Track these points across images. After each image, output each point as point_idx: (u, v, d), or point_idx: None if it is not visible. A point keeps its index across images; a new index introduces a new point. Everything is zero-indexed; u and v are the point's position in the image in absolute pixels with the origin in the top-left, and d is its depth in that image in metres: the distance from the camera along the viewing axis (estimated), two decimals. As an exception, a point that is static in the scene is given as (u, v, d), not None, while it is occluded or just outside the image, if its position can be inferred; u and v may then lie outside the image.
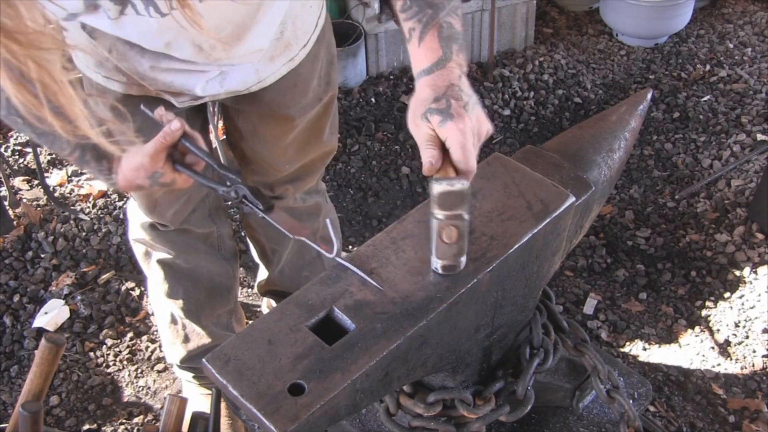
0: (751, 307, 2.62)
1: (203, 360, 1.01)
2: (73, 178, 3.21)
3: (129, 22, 1.28)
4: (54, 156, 3.30)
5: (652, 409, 2.31)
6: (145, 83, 1.54)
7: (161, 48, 1.41)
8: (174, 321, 2.14)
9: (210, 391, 2.08)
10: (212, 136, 2.03)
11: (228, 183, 1.28)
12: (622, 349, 2.53)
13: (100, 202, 3.07)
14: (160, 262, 2.02)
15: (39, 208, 3.03)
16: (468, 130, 1.07)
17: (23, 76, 0.92)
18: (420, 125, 1.10)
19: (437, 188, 1.04)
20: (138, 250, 2.06)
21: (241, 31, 1.44)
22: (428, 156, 1.08)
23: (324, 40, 1.72)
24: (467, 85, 1.14)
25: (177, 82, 1.53)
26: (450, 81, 1.12)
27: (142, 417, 2.37)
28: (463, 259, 1.09)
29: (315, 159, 1.95)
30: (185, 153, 1.31)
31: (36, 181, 3.15)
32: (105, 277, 2.77)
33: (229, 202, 2.94)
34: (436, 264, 1.09)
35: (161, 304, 2.14)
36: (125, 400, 2.43)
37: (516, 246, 1.13)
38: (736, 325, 2.58)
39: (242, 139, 1.86)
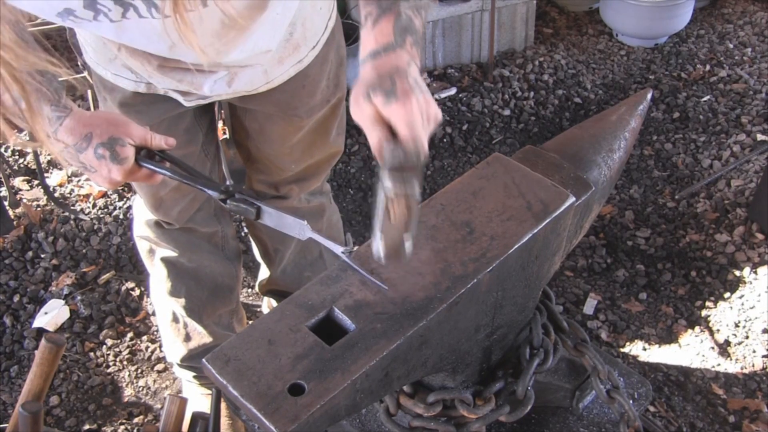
0: (751, 307, 2.62)
1: (203, 360, 1.01)
2: (73, 178, 3.21)
3: (132, 25, 1.27)
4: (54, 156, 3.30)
5: (652, 409, 2.31)
6: (153, 81, 1.55)
7: (166, 51, 1.41)
8: (175, 319, 2.14)
9: (210, 391, 2.08)
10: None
11: (213, 195, 1.29)
12: (622, 349, 2.53)
13: (100, 202, 3.07)
14: (164, 260, 2.03)
15: (39, 208, 3.03)
16: (415, 109, 1.02)
17: None
18: (363, 106, 1.04)
19: (389, 159, 0.98)
20: (142, 248, 2.07)
21: (246, 34, 1.44)
22: (376, 137, 1.03)
23: (334, 42, 1.71)
24: (416, 72, 1.07)
25: (185, 81, 1.54)
26: (397, 65, 1.05)
27: (142, 417, 2.37)
28: (409, 245, 1.03)
29: (321, 160, 1.95)
30: (151, 157, 1.33)
31: (36, 181, 3.16)
32: (105, 277, 2.77)
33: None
34: (379, 247, 1.02)
35: (163, 302, 2.14)
36: (125, 400, 2.43)
37: (516, 246, 1.13)
38: (736, 325, 2.58)
39: (248, 138, 1.86)
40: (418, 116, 1.02)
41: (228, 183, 2.61)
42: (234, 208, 1.27)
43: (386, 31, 1.09)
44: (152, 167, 1.32)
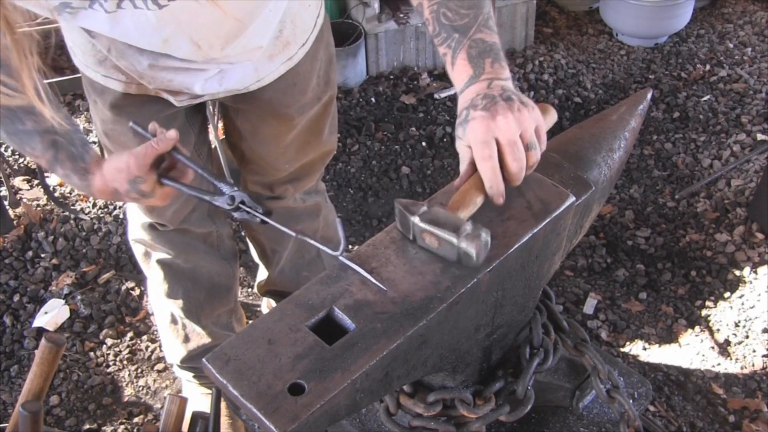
0: (751, 307, 2.62)
1: (203, 360, 1.01)
2: (73, 177, 3.21)
3: (126, 16, 1.27)
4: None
5: (652, 408, 2.31)
6: (144, 82, 1.54)
7: (159, 47, 1.40)
8: (174, 321, 2.14)
9: (210, 391, 2.08)
10: (211, 136, 2.04)
11: (225, 190, 1.28)
12: (622, 349, 2.53)
13: (100, 202, 3.07)
14: (160, 262, 2.03)
15: (39, 208, 3.03)
16: (481, 126, 1.08)
17: None
18: (458, 146, 1.14)
19: (421, 222, 1.07)
20: (138, 251, 2.07)
21: (240, 29, 1.44)
22: (461, 172, 1.14)
23: (323, 39, 1.72)
24: (497, 87, 1.13)
25: (176, 81, 1.53)
26: (476, 93, 1.13)
27: (142, 417, 2.37)
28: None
29: (315, 159, 1.95)
30: (172, 167, 1.31)
31: (36, 181, 3.16)
32: (105, 276, 2.77)
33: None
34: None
35: (161, 304, 2.14)
36: (125, 399, 2.43)
37: (516, 246, 1.13)
38: (736, 325, 2.58)
39: (242, 139, 1.86)
40: (486, 134, 1.09)
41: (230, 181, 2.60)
42: (240, 218, 1.28)
43: (464, 68, 1.17)
44: (172, 184, 1.31)
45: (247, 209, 1.26)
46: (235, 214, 1.27)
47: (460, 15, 1.19)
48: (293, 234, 1.21)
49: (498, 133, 1.09)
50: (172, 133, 1.26)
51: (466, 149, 1.13)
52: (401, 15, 3.65)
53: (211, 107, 1.97)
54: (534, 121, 1.11)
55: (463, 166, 1.15)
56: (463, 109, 1.13)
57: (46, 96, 1.09)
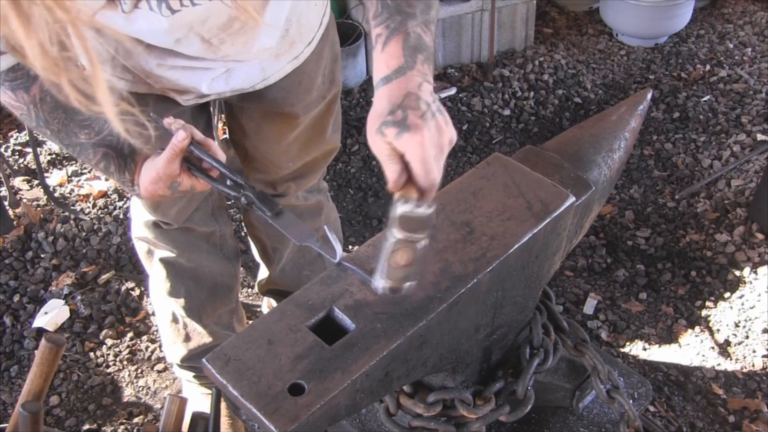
0: (751, 307, 2.62)
1: (203, 360, 1.01)
2: (73, 178, 3.21)
3: (141, 17, 1.28)
4: (54, 156, 3.30)
5: (652, 409, 2.31)
6: (151, 81, 1.54)
7: (171, 45, 1.40)
8: (175, 320, 2.14)
9: (210, 391, 2.08)
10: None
11: (236, 190, 1.29)
12: (622, 349, 2.53)
13: (100, 202, 3.07)
14: (163, 260, 2.03)
15: (39, 208, 3.03)
16: (427, 141, 1.02)
17: (51, 40, 0.89)
18: (376, 140, 1.06)
19: (401, 209, 1.00)
20: (140, 249, 2.07)
21: (249, 29, 1.45)
22: (391, 172, 1.04)
23: (328, 38, 1.73)
24: (428, 92, 1.08)
25: (183, 80, 1.53)
26: (408, 90, 1.06)
27: (142, 417, 2.37)
28: (409, 285, 1.04)
29: (318, 157, 1.95)
30: (201, 159, 1.32)
31: (36, 181, 3.16)
32: (105, 277, 2.77)
33: (231, 201, 2.95)
34: (380, 284, 1.03)
35: (162, 303, 2.14)
36: (125, 400, 2.43)
37: (516, 246, 1.13)
38: (736, 325, 2.58)
39: (245, 137, 1.87)
40: (430, 149, 1.03)
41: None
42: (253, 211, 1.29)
43: (396, 54, 1.10)
44: (202, 177, 1.33)
45: (259, 210, 1.26)
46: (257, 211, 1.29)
47: (408, 4, 1.14)
48: (297, 242, 1.21)
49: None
50: (182, 134, 1.26)
51: (388, 147, 1.05)
52: (401, 15, 3.64)
53: (211, 107, 1.97)
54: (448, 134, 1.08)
55: (389, 163, 1.06)
56: (396, 108, 1.05)
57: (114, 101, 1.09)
